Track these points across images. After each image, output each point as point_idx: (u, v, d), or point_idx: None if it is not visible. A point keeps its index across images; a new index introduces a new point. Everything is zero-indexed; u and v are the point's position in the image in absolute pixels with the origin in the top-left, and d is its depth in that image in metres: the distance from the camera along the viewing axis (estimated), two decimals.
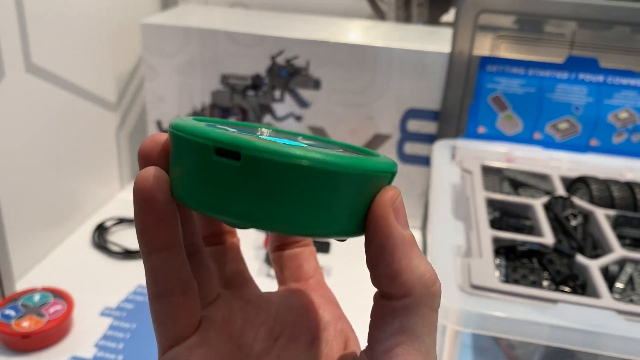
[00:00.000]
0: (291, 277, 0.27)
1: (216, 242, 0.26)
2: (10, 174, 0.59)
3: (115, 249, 0.70)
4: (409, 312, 0.19)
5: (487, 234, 0.50)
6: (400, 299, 0.20)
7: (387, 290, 0.20)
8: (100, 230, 0.73)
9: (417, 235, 0.77)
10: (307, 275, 0.27)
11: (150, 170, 0.19)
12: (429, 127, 0.74)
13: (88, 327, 0.57)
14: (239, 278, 0.26)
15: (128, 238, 0.72)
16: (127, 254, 0.69)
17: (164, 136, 0.21)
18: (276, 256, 0.27)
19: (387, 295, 0.20)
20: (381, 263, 0.20)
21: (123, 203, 0.81)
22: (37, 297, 0.57)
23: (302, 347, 0.24)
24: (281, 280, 0.27)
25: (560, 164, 0.66)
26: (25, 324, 0.53)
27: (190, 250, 0.23)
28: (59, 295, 0.57)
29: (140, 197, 0.20)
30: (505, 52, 0.68)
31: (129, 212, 0.77)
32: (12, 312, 0.55)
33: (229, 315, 0.24)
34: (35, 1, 0.60)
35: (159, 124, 0.79)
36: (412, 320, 0.19)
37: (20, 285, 0.61)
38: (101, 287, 0.63)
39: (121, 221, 0.75)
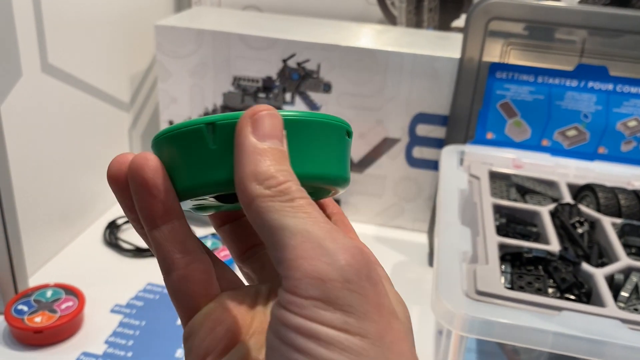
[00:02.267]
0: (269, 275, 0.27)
1: (257, 255, 0.27)
2: (24, 172, 0.60)
3: (126, 246, 0.71)
4: (260, 214, 0.19)
5: (493, 241, 0.50)
6: (247, 207, 0.20)
7: (240, 200, 0.20)
8: (112, 228, 0.74)
9: (423, 238, 0.78)
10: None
11: (141, 154, 0.22)
12: (438, 131, 0.74)
13: (99, 324, 0.58)
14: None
15: (139, 236, 0.73)
16: (138, 252, 0.70)
17: (129, 156, 0.23)
18: (245, 261, 0.28)
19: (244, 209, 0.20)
20: (235, 171, 0.20)
21: None
22: (49, 293, 0.58)
23: None
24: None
25: (567, 171, 0.66)
26: (38, 320, 0.54)
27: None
28: (71, 291, 0.59)
29: (134, 178, 0.22)
30: (515, 59, 0.69)
31: None
32: (25, 308, 0.56)
33: (254, 293, 0.24)
34: (52, 3, 0.61)
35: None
36: (268, 218, 0.19)
37: (33, 281, 0.63)
38: (112, 284, 0.64)
39: None
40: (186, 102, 0.79)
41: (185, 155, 0.22)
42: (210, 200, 0.25)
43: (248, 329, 0.23)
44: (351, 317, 0.18)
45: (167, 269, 0.23)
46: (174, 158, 0.23)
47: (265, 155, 0.20)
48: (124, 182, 0.23)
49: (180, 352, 0.55)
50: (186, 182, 0.22)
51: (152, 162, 0.22)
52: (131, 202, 0.23)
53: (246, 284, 0.27)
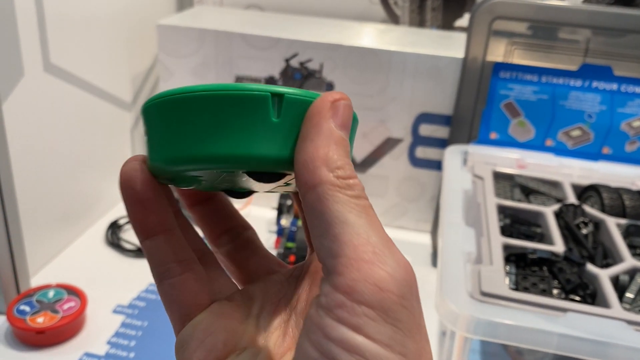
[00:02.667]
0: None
1: (232, 240, 0.27)
2: (27, 172, 0.60)
3: (128, 246, 0.71)
4: (324, 201, 0.18)
5: (497, 241, 0.50)
6: (312, 189, 0.19)
7: (301, 181, 0.19)
8: (114, 228, 0.74)
9: (427, 239, 0.77)
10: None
11: (131, 163, 0.21)
12: (441, 131, 0.74)
13: (101, 324, 0.58)
14: (262, 269, 0.27)
15: None
16: (140, 252, 0.70)
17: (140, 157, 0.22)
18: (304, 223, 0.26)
19: (303, 190, 0.19)
20: (301, 150, 0.19)
21: None
22: (51, 294, 0.58)
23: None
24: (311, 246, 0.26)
25: (571, 171, 0.66)
26: (40, 320, 0.54)
27: (198, 254, 0.25)
28: (73, 292, 0.58)
29: (124, 190, 0.22)
30: (519, 58, 0.68)
31: None
32: (27, 308, 0.56)
33: (247, 300, 0.24)
34: (55, 3, 0.61)
35: None
36: (333, 208, 0.18)
37: (35, 282, 0.63)
38: (114, 285, 0.64)
39: None
40: None
41: (227, 121, 0.20)
42: (215, 175, 0.22)
43: (240, 341, 0.23)
44: (398, 333, 0.17)
45: (159, 277, 0.23)
46: (203, 121, 0.20)
47: (340, 144, 0.19)
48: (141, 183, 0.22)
49: None
50: (222, 149, 0.20)
51: (143, 174, 0.21)
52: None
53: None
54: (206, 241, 0.27)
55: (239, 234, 0.27)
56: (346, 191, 0.19)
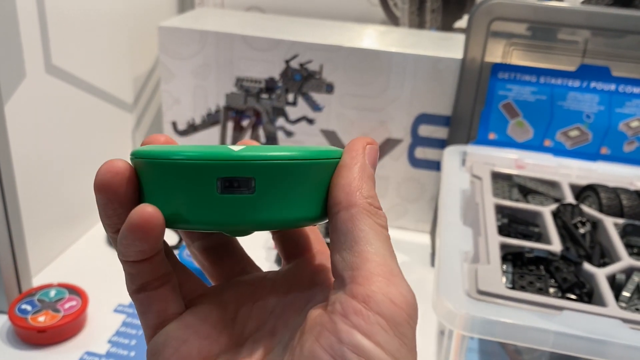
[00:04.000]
0: (291, 253, 0.27)
1: (207, 235, 0.27)
2: (28, 173, 0.61)
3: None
4: (355, 221, 0.21)
5: (495, 240, 0.50)
6: (345, 210, 0.21)
7: (336, 201, 0.21)
8: None
9: (426, 239, 0.78)
10: (307, 248, 0.27)
11: (149, 209, 0.20)
12: (440, 132, 0.74)
13: (102, 323, 0.58)
14: (236, 267, 0.27)
15: None
16: None
17: (121, 163, 0.22)
18: (276, 237, 0.28)
19: (336, 210, 0.22)
20: (340, 176, 0.22)
21: None
22: (53, 293, 0.58)
23: (296, 312, 0.24)
24: (285, 257, 0.28)
25: (570, 171, 0.66)
26: (41, 319, 0.55)
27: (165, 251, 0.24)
28: (74, 291, 0.59)
29: (135, 236, 0.20)
30: (518, 59, 0.69)
31: None
32: (28, 307, 0.56)
33: (219, 304, 0.24)
34: (56, 5, 0.61)
35: (174, 125, 0.81)
36: (361, 228, 0.21)
37: (36, 281, 0.63)
38: (115, 284, 0.64)
39: None
40: (189, 103, 0.79)
41: (275, 189, 0.21)
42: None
43: (214, 348, 0.23)
44: (403, 347, 0.19)
45: (136, 290, 0.23)
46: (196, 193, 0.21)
47: (371, 179, 0.22)
48: (113, 195, 0.22)
49: None
50: (274, 215, 0.21)
51: (157, 219, 0.20)
52: (112, 213, 0.22)
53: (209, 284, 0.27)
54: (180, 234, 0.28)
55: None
56: (375, 218, 0.21)
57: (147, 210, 0.20)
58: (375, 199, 0.22)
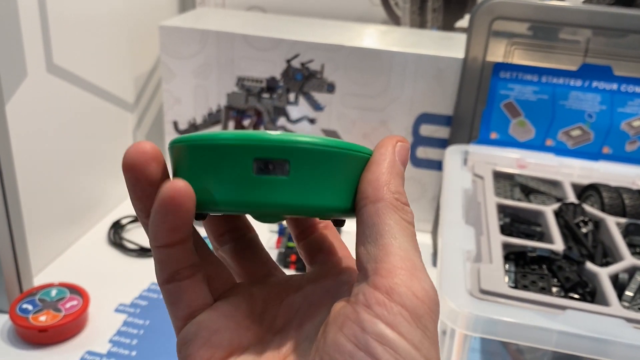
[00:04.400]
0: (316, 257, 0.27)
1: (235, 238, 0.27)
2: (30, 172, 0.61)
3: (130, 246, 0.71)
4: (381, 215, 0.21)
5: (497, 240, 0.50)
6: (372, 203, 0.21)
7: (364, 195, 0.22)
8: (116, 228, 0.74)
9: (428, 239, 0.78)
10: (331, 252, 0.27)
11: (180, 183, 0.20)
12: (442, 132, 0.74)
13: (103, 323, 0.58)
14: (262, 270, 0.27)
15: (143, 236, 0.73)
16: (142, 252, 0.70)
17: (148, 144, 0.22)
18: (301, 245, 0.28)
19: (363, 203, 0.22)
20: (369, 171, 0.22)
21: None
22: (54, 292, 0.58)
23: (322, 309, 0.24)
24: (309, 262, 0.28)
25: (572, 171, 0.66)
26: (43, 318, 0.55)
27: (196, 244, 0.24)
28: (75, 290, 0.59)
29: (167, 210, 0.20)
30: (519, 58, 0.69)
31: None
32: (29, 307, 0.56)
33: (248, 298, 0.25)
34: (58, 4, 0.61)
35: (175, 125, 0.81)
36: (387, 222, 0.21)
37: (38, 281, 0.63)
38: (116, 284, 0.64)
39: (136, 219, 0.76)
40: (190, 103, 0.79)
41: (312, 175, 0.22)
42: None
43: (243, 340, 0.23)
44: (426, 339, 0.19)
45: (166, 279, 0.23)
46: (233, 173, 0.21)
47: (400, 175, 0.23)
48: (141, 173, 0.21)
49: None
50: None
51: (187, 192, 0.21)
52: (142, 194, 0.22)
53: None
54: (208, 240, 0.28)
55: (242, 235, 0.28)
56: (401, 213, 0.21)
57: (178, 184, 0.20)
58: (402, 195, 0.22)
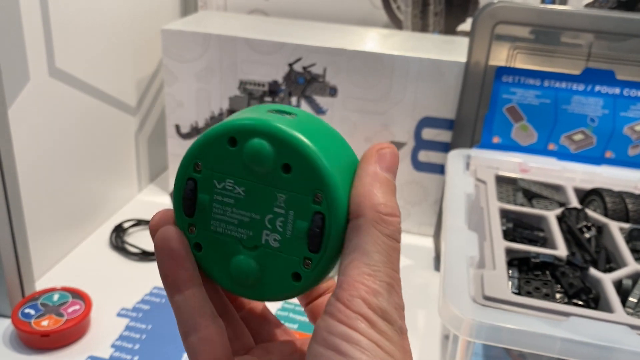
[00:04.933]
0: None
1: (243, 306, 0.29)
2: (32, 176, 0.61)
3: (132, 250, 0.71)
4: (359, 231, 0.22)
5: (500, 245, 0.50)
6: (355, 218, 0.22)
7: (350, 211, 0.23)
8: (118, 231, 0.74)
9: (429, 243, 0.78)
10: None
11: (169, 228, 0.24)
12: (444, 135, 0.74)
13: (105, 327, 0.58)
14: (276, 334, 0.29)
15: (145, 239, 0.73)
16: (144, 255, 0.70)
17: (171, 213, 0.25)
18: (308, 310, 0.29)
19: (348, 220, 0.23)
20: (353, 187, 0.23)
21: (141, 205, 0.82)
22: (56, 297, 0.58)
23: None
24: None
25: (574, 175, 0.66)
26: (45, 323, 0.55)
27: (220, 310, 0.26)
28: (78, 295, 0.59)
29: (161, 248, 0.24)
30: (521, 63, 0.69)
31: (147, 213, 0.78)
32: (31, 311, 0.56)
33: (265, 353, 0.26)
34: (60, 8, 0.61)
35: (177, 128, 0.81)
36: (362, 239, 0.22)
37: (40, 285, 0.63)
38: (118, 288, 0.64)
39: (139, 223, 0.76)
40: (192, 106, 0.79)
41: None
42: None
43: None
44: (386, 340, 0.21)
45: (186, 332, 0.24)
46: None
47: (384, 184, 0.23)
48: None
49: (186, 357, 0.55)
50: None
51: (177, 234, 0.24)
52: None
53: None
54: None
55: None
56: (381, 227, 0.22)
57: (162, 220, 0.25)
58: (388, 205, 0.22)
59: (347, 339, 0.21)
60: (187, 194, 0.24)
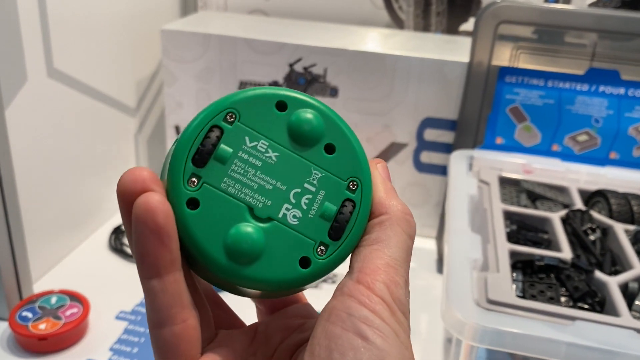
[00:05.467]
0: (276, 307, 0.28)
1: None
2: (30, 177, 0.60)
3: (131, 252, 0.70)
4: (384, 226, 0.22)
5: (504, 248, 0.49)
6: (378, 216, 0.23)
7: (374, 210, 0.23)
8: (117, 233, 0.73)
9: (432, 244, 0.77)
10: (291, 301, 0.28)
11: (154, 196, 0.20)
12: (446, 136, 0.73)
13: (103, 331, 0.58)
14: (227, 319, 0.28)
15: None
16: None
17: (144, 173, 0.20)
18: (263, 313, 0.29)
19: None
20: (374, 192, 0.23)
21: None
22: (54, 300, 0.57)
23: (292, 349, 0.25)
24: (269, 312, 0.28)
25: (578, 176, 0.65)
26: (42, 326, 0.54)
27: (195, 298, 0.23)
28: (76, 298, 0.58)
29: (144, 221, 0.20)
30: (525, 63, 0.68)
31: None
32: (29, 314, 0.55)
33: (230, 349, 0.24)
34: (58, 8, 0.61)
35: (177, 129, 0.80)
36: (386, 233, 0.22)
37: (37, 288, 0.62)
38: (117, 291, 0.64)
39: None
40: (192, 107, 0.78)
41: None
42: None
43: None
44: (402, 331, 0.21)
45: (159, 323, 0.21)
46: None
47: (395, 192, 0.24)
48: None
49: None
50: None
51: (165, 206, 0.20)
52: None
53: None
54: None
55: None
56: (404, 225, 0.23)
57: (146, 186, 0.20)
58: (406, 208, 0.23)
59: (370, 323, 0.20)
60: (206, 141, 0.21)
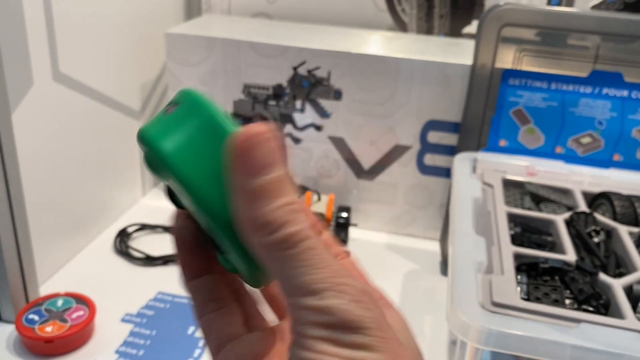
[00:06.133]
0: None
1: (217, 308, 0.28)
2: (36, 180, 0.60)
3: (136, 255, 0.71)
4: (262, 256, 0.20)
5: (508, 250, 0.49)
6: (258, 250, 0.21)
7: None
8: (122, 236, 0.74)
9: (435, 246, 0.77)
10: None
11: (181, 221, 0.25)
12: (450, 138, 0.73)
13: (109, 333, 0.58)
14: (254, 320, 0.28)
15: (149, 244, 0.73)
16: (149, 260, 0.70)
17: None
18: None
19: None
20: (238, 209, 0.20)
21: (145, 209, 0.82)
22: (60, 302, 0.58)
23: None
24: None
25: (582, 179, 0.65)
26: (49, 329, 0.54)
27: (235, 293, 0.27)
28: (82, 300, 0.58)
29: (178, 241, 0.25)
30: (528, 65, 0.68)
31: (151, 218, 0.78)
32: (35, 317, 0.56)
33: (279, 330, 0.26)
34: (64, 12, 0.61)
35: None
36: (268, 263, 0.20)
37: (44, 290, 0.62)
38: (122, 293, 0.64)
39: (143, 227, 0.76)
40: None
41: None
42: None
43: None
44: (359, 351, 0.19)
45: (200, 313, 0.25)
46: None
47: (258, 195, 0.19)
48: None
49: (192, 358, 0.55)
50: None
51: (192, 230, 0.25)
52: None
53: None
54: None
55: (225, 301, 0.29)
56: (278, 248, 0.19)
57: (178, 217, 0.26)
58: (270, 217, 0.19)
59: None
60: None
